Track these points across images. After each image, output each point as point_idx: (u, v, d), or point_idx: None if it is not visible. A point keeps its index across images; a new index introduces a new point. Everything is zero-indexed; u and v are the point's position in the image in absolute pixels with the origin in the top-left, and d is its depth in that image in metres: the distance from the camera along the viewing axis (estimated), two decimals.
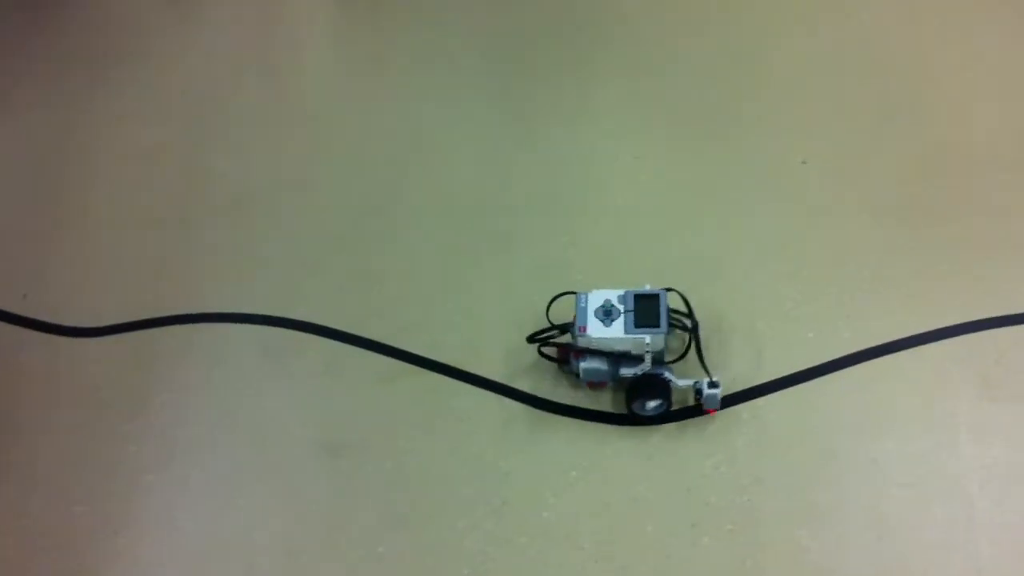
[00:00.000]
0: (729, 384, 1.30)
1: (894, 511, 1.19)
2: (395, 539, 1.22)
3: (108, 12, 2.01)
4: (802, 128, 1.60)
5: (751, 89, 1.68)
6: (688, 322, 1.28)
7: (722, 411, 1.28)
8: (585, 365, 1.26)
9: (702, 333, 1.28)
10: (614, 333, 1.21)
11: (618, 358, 1.26)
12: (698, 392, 1.26)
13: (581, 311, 1.23)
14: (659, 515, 1.21)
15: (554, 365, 1.34)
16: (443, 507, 1.24)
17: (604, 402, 1.31)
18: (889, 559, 1.15)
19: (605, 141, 1.63)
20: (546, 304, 1.33)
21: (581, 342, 1.23)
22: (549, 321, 1.31)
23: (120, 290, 1.52)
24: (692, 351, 1.27)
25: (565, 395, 1.33)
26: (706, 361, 1.26)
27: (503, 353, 1.38)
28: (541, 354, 1.32)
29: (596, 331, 1.22)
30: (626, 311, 1.23)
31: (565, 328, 1.28)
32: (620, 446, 1.27)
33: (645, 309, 1.22)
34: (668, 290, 1.27)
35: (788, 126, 1.61)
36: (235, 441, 1.33)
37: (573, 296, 1.27)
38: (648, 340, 1.21)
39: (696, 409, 1.29)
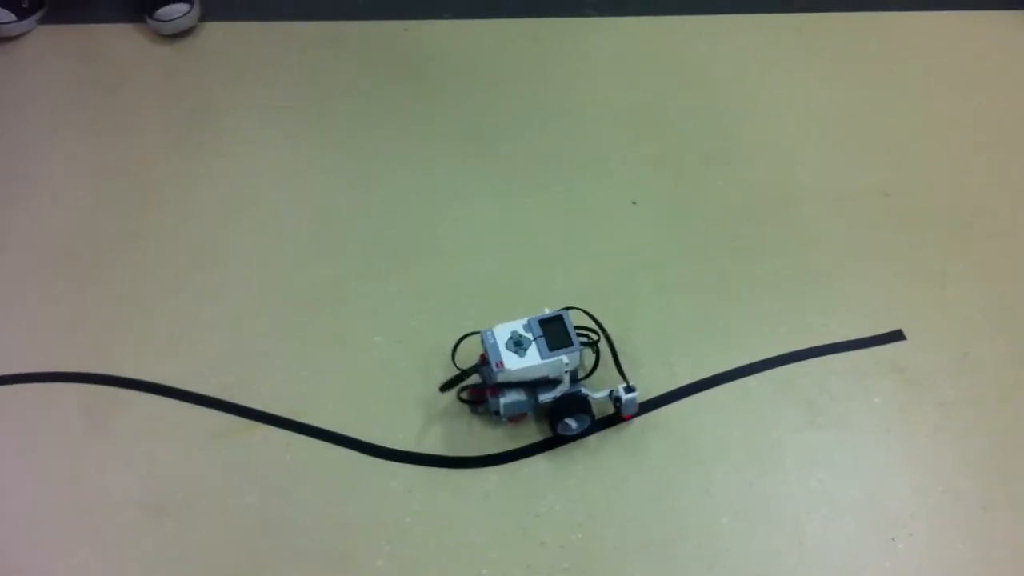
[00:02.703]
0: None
1: (725, 541, 1.20)
2: None
3: None
4: (631, 170, 1.64)
5: (580, 134, 1.71)
6: (593, 336, 1.30)
7: (553, 451, 1.29)
8: (506, 400, 1.25)
9: None
10: (531, 361, 1.21)
11: (534, 386, 1.26)
12: (616, 400, 1.27)
13: (492, 347, 1.23)
14: (494, 557, 1.19)
15: (397, 411, 1.33)
16: (275, 563, 1.20)
17: (457, 444, 1.30)
18: None
19: (438, 186, 1.63)
20: (383, 351, 1.33)
21: (501, 377, 1.22)
22: (456, 367, 1.29)
23: None
24: (601, 365, 1.30)
25: (410, 440, 1.31)
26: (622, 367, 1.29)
27: (338, 401, 1.35)
28: (462, 400, 1.31)
29: (513, 363, 1.21)
30: (536, 337, 1.23)
31: (472, 370, 1.27)
32: (456, 489, 1.26)
33: (554, 331, 1.24)
34: (568, 309, 1.28)
35: (617, 169, 1.65)
36: (52, 507, 1.26)
37: (460, 340, 1.31)
38: (566, 360, 1.22)
39: (615, 417, 1.30)
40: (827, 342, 1.39)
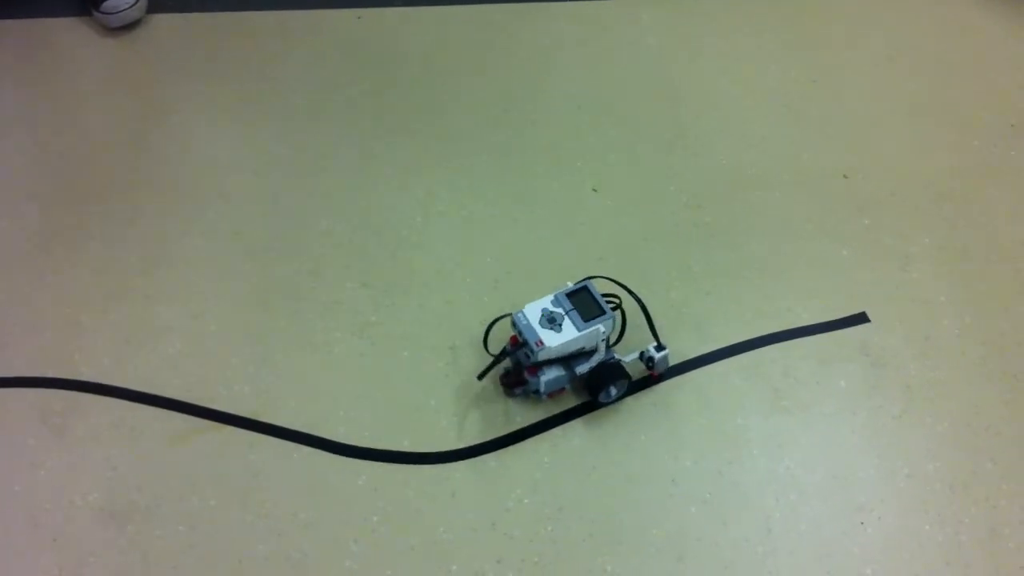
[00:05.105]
0: (526, 414, 1.30)
1: (694, 529, 1.20)
2: None
3: None
4: (592, 158, 1.63)
5: (538, 121, 1.70)
6: (616, 300, 1.30)
7: (520, 444, 1.28)
8: (546, 378, 1.26)
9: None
10: (569, 335, 1.22)
11: (569, 359, 1.26)
12: (648, 360, 1.29)
13: (526, 328, 1.23)
14: (464, 553, 1.18)
15: (360, 408, 1.31)
16: (239, 566, 1.18)
17: (441, 434, 1.28)
18: None
19: (394, 179, 1.61)
20: (344, 347, 1.31)
21: (541, 355, 1.22)
22: (489, 353, 1.29)
23: None
24: (628, 328, 1.32)
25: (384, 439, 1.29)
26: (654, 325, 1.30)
27: (299, 399, 1.33)
28: (504, 385, 1.31)
29: (552, 339, 1.22)
30: (567, 311, 1.24)
31: (504, 354, 1.27)
32: (423, 486, 1.24)
33: (583, 303, 1.25)
34: (591, 278, 1.29)
35: (578, 157, 1.64)
36: (10, 516, 1.23)
37: (491, 324, 1.32)
38: (602, 328, 1.23)
39: (648, 378, 1.33)
40: (792, 326, 1.39)
